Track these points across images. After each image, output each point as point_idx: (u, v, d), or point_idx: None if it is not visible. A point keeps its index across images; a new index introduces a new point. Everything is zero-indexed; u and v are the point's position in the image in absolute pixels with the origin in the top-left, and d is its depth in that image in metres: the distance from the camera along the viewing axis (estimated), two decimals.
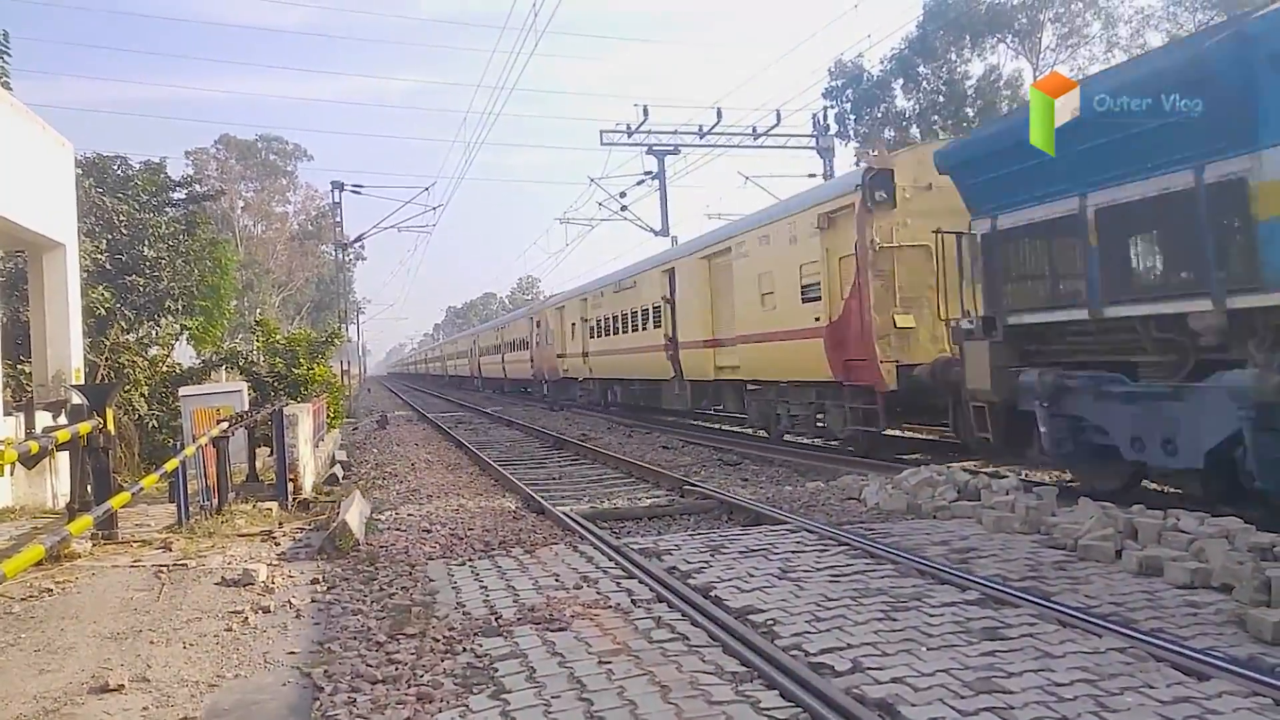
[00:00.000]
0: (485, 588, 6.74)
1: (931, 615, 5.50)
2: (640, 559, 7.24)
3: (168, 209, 21.76)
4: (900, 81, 41.46)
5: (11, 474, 10.54)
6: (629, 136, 31.02)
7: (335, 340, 23.24)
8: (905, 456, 13.10)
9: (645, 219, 34.71)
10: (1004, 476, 9.79)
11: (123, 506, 7.43)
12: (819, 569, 6.80)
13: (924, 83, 41.10)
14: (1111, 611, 5.46)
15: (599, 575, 6.92)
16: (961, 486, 9.45)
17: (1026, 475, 10.99)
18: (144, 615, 6.08)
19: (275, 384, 19.23)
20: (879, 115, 42.00)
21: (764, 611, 5.73)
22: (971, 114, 35.93)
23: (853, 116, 42.29)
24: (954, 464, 10.49)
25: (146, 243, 19.04)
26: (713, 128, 31.02)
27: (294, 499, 11.00)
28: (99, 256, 17.66)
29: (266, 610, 6.27)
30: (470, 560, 7.75)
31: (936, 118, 38.91)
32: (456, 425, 25.74)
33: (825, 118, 34.87)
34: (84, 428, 8.08)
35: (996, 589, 5.90)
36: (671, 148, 32.25)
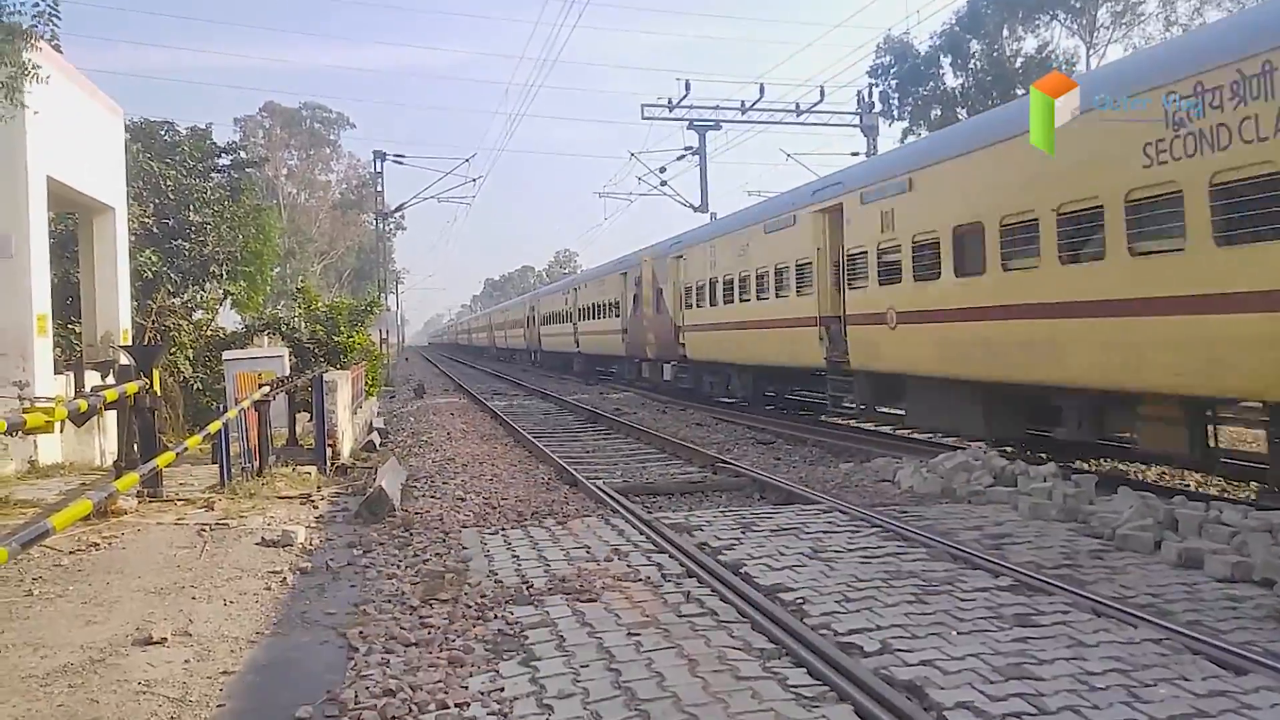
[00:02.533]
0: (517, 557, 6.82)
1: (963, 600, 5.47)
2: (671, 534, 7.27)
3: (213, 175, 22.06)
4: (949, 59, 40.61)
5: (61, 431, 10.82)
6: (670, 111, 30.86)
7: (374, 309, 23.46)
8: (940, 441, 12.98)
9: (685, 195, 34.59)
10: (1042, 463, 9.67)
11: (167, 466, 7.61)
12: (850, 550, 6.79)
13: (973, 60, 40.21)
14: (1148, 603, 5.39)
15: (630, 549, 6.97)
16: (998, 472, 9.35)
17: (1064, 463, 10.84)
18: (187, 572, 6.24)
19: (316, 350, 19.49)
20: (925, 93, 41.21)
21: (794, 590, 5.74)
22: (1021, 93, 35.12)
23: (897, 95, 41.54)
24: (991, 449, 10.38)
25: (192, 208, 19.35)
26: (755, 103, 30.75)
27: (332, 464, 11.19)
28: (146, 220, 17.98)
29: (304, 571, 6.40)
30: (503, 529, 7.84)
31: (984, 98, 38.12)
32: (492, 396, 25.96)
33: (870, 95, 34.35)
34: (131, 387, 8.26)
35: (1030, 576, 5.85)
36: (713, 123, 32.06)
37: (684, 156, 33.51)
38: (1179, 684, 4.15)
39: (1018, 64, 39.17)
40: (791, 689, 4.19)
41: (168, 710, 4.05)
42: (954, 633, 4.89)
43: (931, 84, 41.14)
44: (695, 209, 33.43)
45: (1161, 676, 4.23)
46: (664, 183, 35.35)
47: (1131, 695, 4.03)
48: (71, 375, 12.47)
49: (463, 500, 9.33)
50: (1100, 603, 5.28)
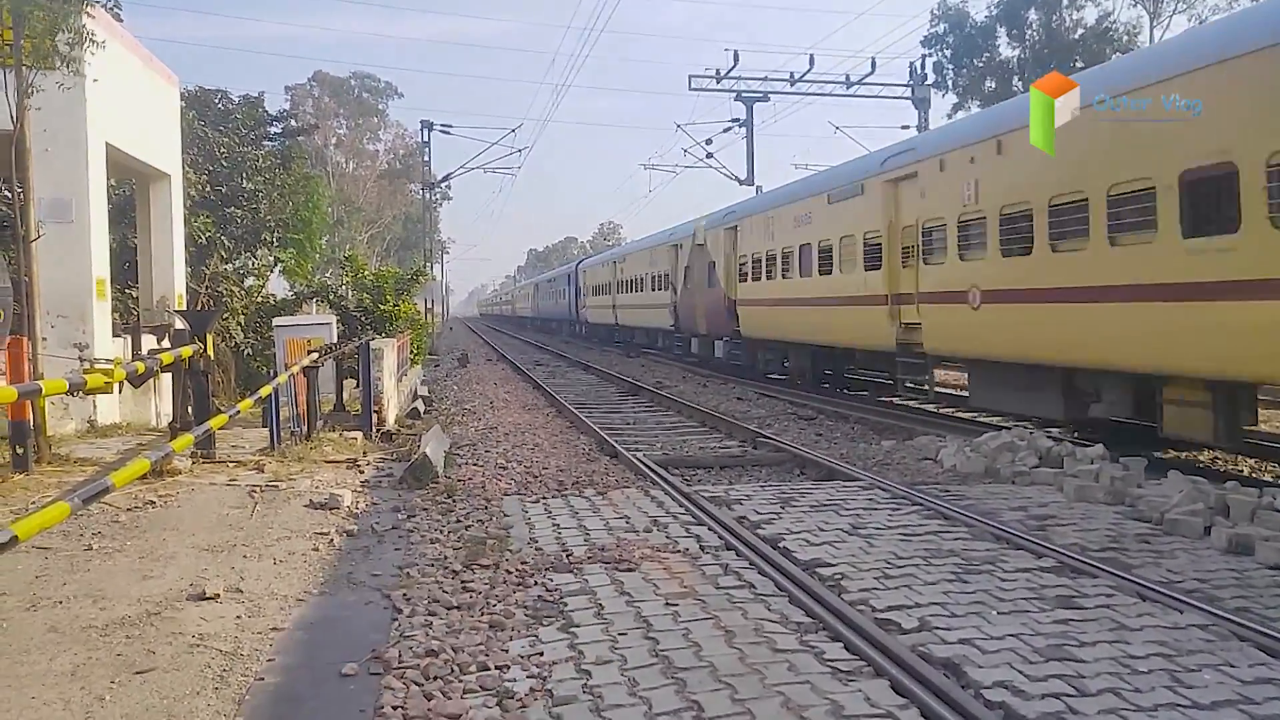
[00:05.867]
0: (558, 525, 6.90)
1: (1004, 580, 5.43)
2: (711, 507, 7.30)
3: (265, 143, 22.40)
4: (1005, 29, 39.58)
5: (119, 392, 11.15)
6: (718, 82, 30.55)
7: (420, 278, 23.71)
8: (984, 420, 12.82)
9: (731, 167, 34.33)
10: (1089, 445, 9.51)
11: (219, 428, 7.82)
12: (890, 527, 6.76)
13: (1031, 31, 39.16)
14: (1195, 588, 5.31)
15: (669, 520, 7.01)
16: (1043, 453, 9.22)
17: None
18: (238, 531, 6.43)
19: (362, 318, 19.79)
20: (980, 65, 40.25)
21: (832, 565, 5.75)
22: (1081, 65, 34.15)
23: (951, 66, 40.62)
24: (1037, 430, 10.22)
25: (245, 175, 19.71)
26: (804, 75, 30.32)
27: (378, 430, 11.39)
28: (201, 186, 18.35)
29: (350, 534, 6.55)
30: (544, 498, 7.94)
31: (1040, 70, 37.09)
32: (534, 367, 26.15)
33: (923, 66, 33.65)
34: (186, 351, 8.48)
35: (1074, 558, 5.78)
36: (761, 95, 31.68)
37: (730, 128, 33.22)
38: (1224, 670, 4.09)
39: (1077, 35, 38.07)
40: (828, 663, 4.21)
41: (220, 663, 4.19)
42: (994, 612, 4.86)
43: (986, 55, 40.18)
44: (741, 182, 33.19)
45: (1206, 662, 4.18)
46: (710, 155, 35.10)
47: (1175, 680, 3.99)
48: (129, 338, 12.82)
49: (504, 468, 9.45)
50: (1146, 586, 5.21)
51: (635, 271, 32.48)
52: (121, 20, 12.40)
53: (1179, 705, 3.76)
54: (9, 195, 10.32)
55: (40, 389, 5.94)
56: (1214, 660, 4.20)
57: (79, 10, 9.67)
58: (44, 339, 9.85)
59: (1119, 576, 5.40)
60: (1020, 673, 4.06)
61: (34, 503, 6.91)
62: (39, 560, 5.61)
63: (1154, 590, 5.14)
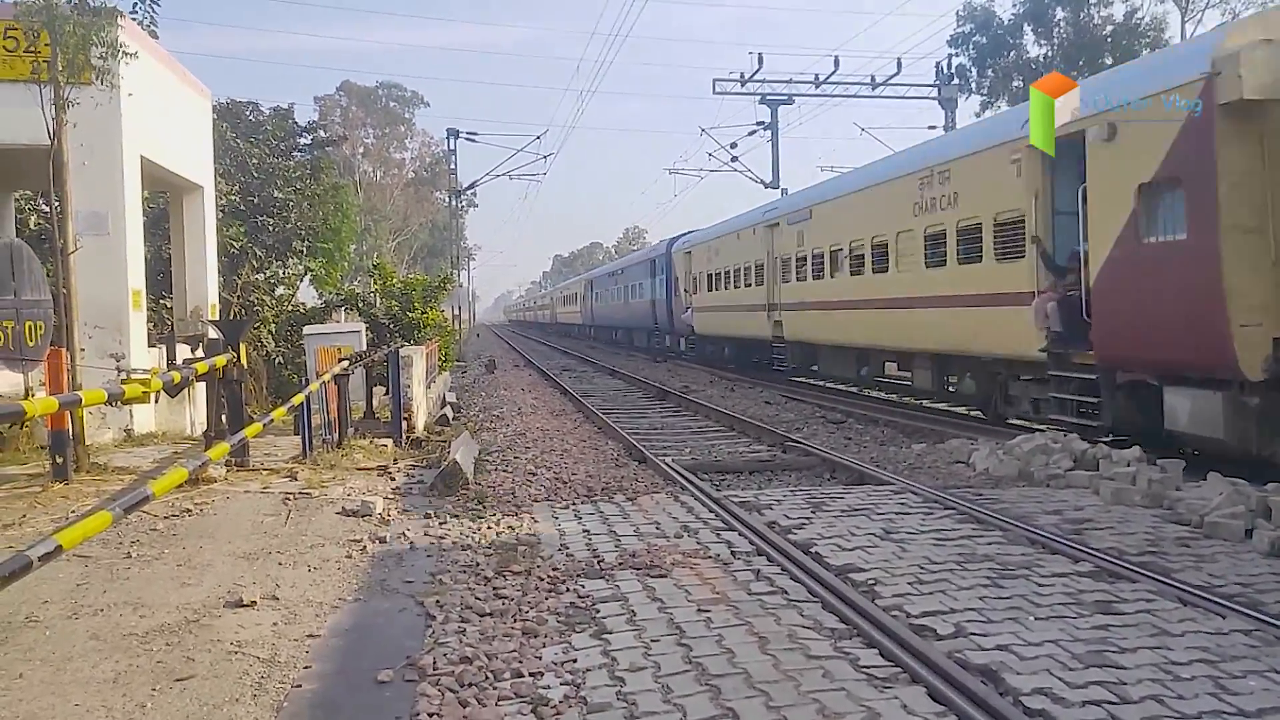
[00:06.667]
0: (588, 531, 6.91)
1: (1041, 585, 5.36)
2: (741, 512, 7.28)
3: (295, 153, 22.70)
4: (1032, 27, 39.18)
5: (156, 402, 11.31)
6: (742, 85, 30.49)
7: (447, 285, 23.89)
8: (1013, 422, 12.66)
9: (755, 170, 34.25)
10: (1125, 447, 9.37)
11: (253, 436, 7.90)
12: (923, 531, 6.70)
13: (1058, 28, 38.74)
14: (1237, 592, 5.21)
15: (699, 526, 7.00)
16: (1078, 456, 9.09)
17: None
18: (273, 538, 6.49)
19: (391, 326, 19.97)
20: (1006, 64, 39.86)
21: (865, 571, 5.70)
22: (1110, 62, 33.67)
23: (974, 68, 40.26)
24: (1070, 432, 10.09)
25: (276, 185, 19.99)
26: (829, 76, 30.19)
27: (408, 437, 11.46)
28: (233, 197, 18.63)
29: (383, 540, 6.60)
30: (574, 504, 7.95)
31: (1068, 68, 36.64)
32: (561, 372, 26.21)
33: (949, 66, 33.39)
34: (220, 360, 8.59)
35: (1112, 562, 5.70)
36: (785, 97, 31.60)
37: (755, 131, 33.15)
38: (1270, 676, 4.01)
39: (1106, 31, 37.62)
40: (863, 670, 4.18)
41: (258, 670, 4.23)
42: (1031, 618, 4.80)
43: (1013, 54, 39.80)
44: (766, 185, 33.09)
45: (1251, 668, 4.10)
46: (735, 159, 35.04)
47: (1218, 686, 3.92)
48: (164, 348, 13.01)
49: (534, 474, 9.48)
50: (1187, 591, 5.12)
51: (846, 234, 16.56)
52: (157, 37, 12.59)
53: (1224, 713, 3.70)
54: (47, 209, 10.51)
55: (80, 399, 6.05)
56: (1259, 666, 4.12)
57: (112, 24, 9.83)
58: (82, 350, 10.02)
59: (1159, 581, 5.32)
60: (1060, 679, 4.00)
61: (74, 511, 7.03)
62: (80, 568, 5.71)
63: (1195, 595, 5.06)
